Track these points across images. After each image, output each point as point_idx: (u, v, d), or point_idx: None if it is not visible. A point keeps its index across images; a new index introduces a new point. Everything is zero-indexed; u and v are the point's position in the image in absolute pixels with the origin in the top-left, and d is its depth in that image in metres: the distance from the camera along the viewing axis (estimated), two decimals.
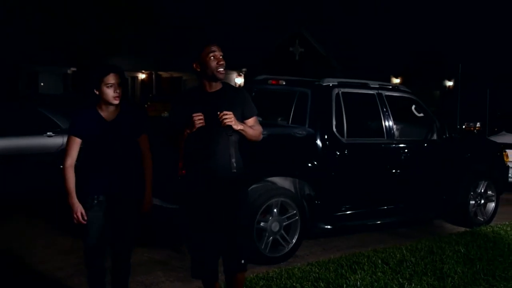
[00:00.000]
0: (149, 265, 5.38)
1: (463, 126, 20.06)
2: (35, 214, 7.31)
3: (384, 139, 6.61)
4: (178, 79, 33.53)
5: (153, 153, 5.37)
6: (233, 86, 4.05)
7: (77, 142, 3.77)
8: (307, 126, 6.06)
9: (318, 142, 5.98)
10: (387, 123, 6.61)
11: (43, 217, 7.17)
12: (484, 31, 33.73)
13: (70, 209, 3.75)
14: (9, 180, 8.00)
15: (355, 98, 6.47)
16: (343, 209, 6.24)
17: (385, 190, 6.61)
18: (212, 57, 3.67)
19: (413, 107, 7.11)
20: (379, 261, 5.51)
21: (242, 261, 3.81)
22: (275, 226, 5.58)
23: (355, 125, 6.33)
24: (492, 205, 7.69)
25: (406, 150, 6.75)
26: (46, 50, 25.91)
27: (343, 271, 5.18)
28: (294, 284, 4.81)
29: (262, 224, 5.51)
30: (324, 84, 6.27)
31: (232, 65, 28.48)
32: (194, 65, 3.72)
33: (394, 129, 6.71)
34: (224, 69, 3.71)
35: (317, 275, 5.05)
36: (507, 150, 8.68)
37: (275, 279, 4.91)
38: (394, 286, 4.85)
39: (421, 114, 7.18)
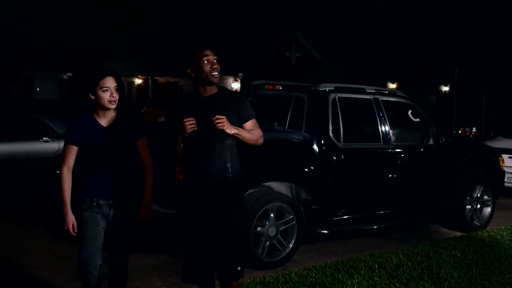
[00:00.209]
0: (146, 271, 5.37)
1: (459, 131, 20.07)
2: (31, 219, 7.29)
3: (380, 144, 6.62)
4: (175, 84, 33.56)
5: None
6: (230, 90, 4.04)
7: (73, 149, 3.71)
8: (303, 131, 6.07)
9: (315, 147, 5.99)
10: (383, 128, 6.62)
11: (39, 222, 7.15)
12: (482, 35, 33.83)
13: (63, 218, 3.71)
14: (5, 185, 7.99)
15: (352, 103, 6.48)
16: (340, 214, 6.25)
17: (381, 195, 6.61)
18: (205, 61, 3.67)
19: (409, 112, 7.12)
20: (376, 266, 5.51)
21: (239, 268, 3.79)
22: (271, 231, 5.58)
23: (351, 130, 6.34)
24: (488, 209, 7.70)
25: (402, 155, 6.76)
26: (45, 50, 25.87)
27: (340, 275, 5.18)
28: None
29: (259, 229, 5.51)
30: (321, 89, 6.28)
31: (229, 70, 28.51)
32: (189, 70, 3.74)
33: (391, 134, 6.72)
34: (219, 73, 3.71)
35: (314, 279, 5.05)
36: (503, 155, 8.70)
37: (272, 284, 4.91)
38: None
39: (418, 119, 7.19)
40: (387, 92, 7.15)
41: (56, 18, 26.16)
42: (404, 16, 33.13)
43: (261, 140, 3.86)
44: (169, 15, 30.55)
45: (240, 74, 31.46)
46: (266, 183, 5.78)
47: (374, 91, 6.79)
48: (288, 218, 5.70)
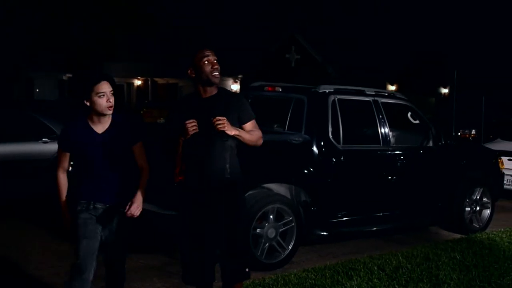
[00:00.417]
0: (145, 272, 5.37)
1: (459, 133, 20.10)
2: (31, 220, 7.29)
3: (380, 146, 6.62)
4: (174, 85, 33.56)
5: (149, 159, 5.36)
6: (229, 91, 4.05)
7: (66, 155, 3.68)
8: (303, 132, 6.07)
9: (314, 148, 5.99)
10: (383, 130, 6.63)
11: (39, 222, 7.15)
12: (482, 35, 33.92)
13: (63, 218, 3.73)
14: (4, 186, 7.98)
15: (351, 105, 6.49)
16: (339, 215, 6.25)
17: (381, 196, 6.62)
18: (206, 62, 3.67)
19: (409, 114, 7.13)
20: (375, 268, 5.51)
21: (247, 270, 3.83)
22: (271, 233, 5.58)
23: (351, 131, 6.34)
24: (487, 212, 7.70)
25: (402, 157, 6.77)
26: (45, 50, 25.86)
27: (339, 277, 5.18)
28: None
29: (258, 230, 5.51)
30: (320, 91, 6.29)
31: (229, 71, 28.52)
32: (189, 71, 3.73)
33: (390, 136, 6.73)
34: (219, 73, 3.72)
35: (313, 281, 5.05)
36: (502, 157, 8.70)
37: (271, 286, 4.91)
38: None
39: (417, 121, 7.20)
40: (386, 94, 7.15)
41: (56, 18, 26.17)
42: (404, 16, 33.17)
43: (260, 141, 3.86)
44: (169, 15, 30.56)
45: (240, 76, 31.46)
46: (266, 185, 5.78)
47: (373, 93, 6.80)
48: (288, 219, 5.70)
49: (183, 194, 3.80)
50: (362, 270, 5.43)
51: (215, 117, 3.53)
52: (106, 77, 3.62)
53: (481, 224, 7.62)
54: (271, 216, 5.58)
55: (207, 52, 3.70)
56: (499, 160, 8.27)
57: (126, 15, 28.08)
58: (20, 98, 26.62)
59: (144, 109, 18.62)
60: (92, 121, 3.63)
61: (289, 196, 5.96)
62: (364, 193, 6.45)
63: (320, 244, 6.51)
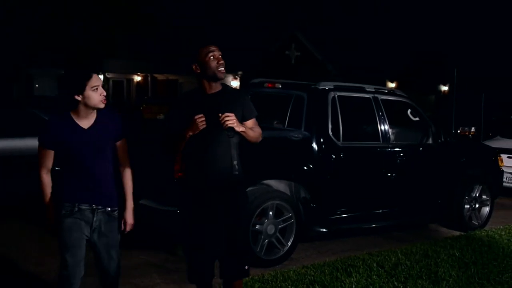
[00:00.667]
0: (145, 268, 5.37)
1: (458, 131, 20.11)
2: (31, 217, 7.28)
3: (379, 143, 6.62)
4: (174, 81, 33.57)
5: (148, 155, 5.37)
6: (233, 87, 4.03)
7: (50, 153, 3.47)
8: (303, 129, 6.07)
9: (314, 145, 5.99)
10: (382, 127, 6.63)
11: (39, 219, 7.12)
12: (482, 35, 33.91)
13: (48, 220, 3.53)
14: (3, 182, 7.97)
15: (351, 101, 6.48)
16: (339, 212, 6.25)
17: (380, 193, 6.62)
18: (211, 57, 3.65)
19: (408, 111, 7.13)
20: (374, 265, 5.52)
21: (246, 267, 3.81)
22: (270, 229, 5.58)
23: (351, 128, 6.34)
24: (486, 209, 7.71)
25: (401, 154, 6.77)
26: (45, 50, 25.86)
27: (338, 274, 5.18)
28: (289, 287, 4.82)
29: (257, 226, 5.51)
30: (320, 87, 6.28)
31: (228, 68, 28.49)
32: (194, 67, 3.69)
33: (390, 133, 6.73)
34: (224, 69, 3.71)
35: (312, 278, 5.05)
36: (501, 155, 8.71)
37: (270, 282, 4.91)
38: None
39: (417, 118, 7.20)
40: (386, 91, 7.16)
41: (56, 18, 26.18)
42: (404, 16, 33.19)
43: (260, 139, 3.86)
44: (169, 15, 30.58)
45: (240, 72, 31.45)
46: (265, 181, 5.77)
47: (373, 90, 6.79)
48: (287, 216, 5.71)
49: (185, 193, 3.77)
50: (361, 267, 5.43)
51: (223, 113, 3.51)
52: (95, 70, 3.53)
53: (480, 222, 7.63)
54: (271, 213, 5.58)
55: (212, 48, 3.67)
56: (498, 157, 8.27)
57: (126, 15, 28.10)
58: (20, 96, 26.64)
59: (144, 105, 18.59)
60: (78, 116, 3.46)
61: (288, 193, 5.96)
62: (363, 190, 6.45)
63: (319, 241, 6.51)
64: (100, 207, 3.51)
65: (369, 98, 6.66)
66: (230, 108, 3.60)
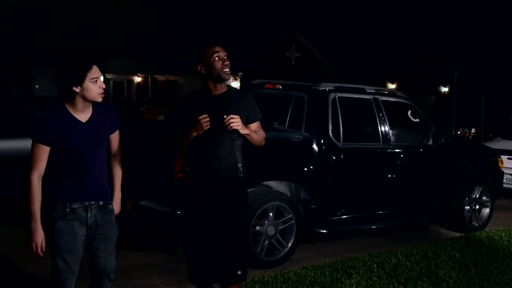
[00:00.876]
0: (144, 269, 5.37)
1: (458, 132, 20.09)
2: None
3: (380, 144, 6.62)
4: (174, 82, 33.57)
5: (149, 156, 5.37)
6: (238, 89, 3.98)
7: (45, 151, 3.22)
8: (303, 130, 6.07)
9: (314, 146, 5.99)
10: (383, 128, 6.63)
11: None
12: (482, 35, 33.93)
13: (29, 233, 3.21)
14: (3, 182, 7.97)
15: (352, 103, 6.48)
16: (339, 213, 6.25)
17: (380, 194, 6.62)
18: (216, 58, 3.60)
19: (409, 112, 7.13)
20: (375, 266, 5.51)
21: (239, 272, 3.71)
22: (270, 230, 5.58)
23: (351, 129, 6.34)
24: (487, 210, 7.71)
25: (401, 155, 6.77)
26: (45, 50, 25.83)
27: (339, 275, 5.18)
28: None
29: (257, 228, 5.50)
30: (321, 88, 6.28)
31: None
32: (199, 67, 3.64)
33: (390, 134, 6.73)
34: (229, 69, 3.68)
35: (312, 279, 5.05)
36: (502, 156, 8.70)
37: (270, 283, 4.90)
38: None
39: (417, 120, 7.20)
40: (387, 92, 7.15)
41: (56, 18, 26.17)
42: (404, 16, 33.19)
43: (263, 142, 3.82)
44: (169, 15, 30.58)
45: (240, 73, 31.44)
46: (265, 182, 5.77)
47: (374, 91, 6.80)
48: (287, 217, 5.70)
49: (186, 194, 3.73)
50: (362, 268, 5.43)
51: (228, 115, 3.47)
52: (95, 62, 3.39)
53: (480, 223, 7.62)
54: (271, 214, 5.58)
55: (217, 48, 3.62)
56: (498, 159, 8.27)
57: (126, 15, 28.10)
58: (20, 96, 26.64)
59: (144, 106, 18.63)
60: (76, 110, 3.30)
61: (288, 194, 5.96)
62: (363, 191, 6.45)
63: (319, 242, 6.51)
64: (93, 202, 3.35)
65: (369, 99, 6.66)
66: (235, 110, 3.56)
